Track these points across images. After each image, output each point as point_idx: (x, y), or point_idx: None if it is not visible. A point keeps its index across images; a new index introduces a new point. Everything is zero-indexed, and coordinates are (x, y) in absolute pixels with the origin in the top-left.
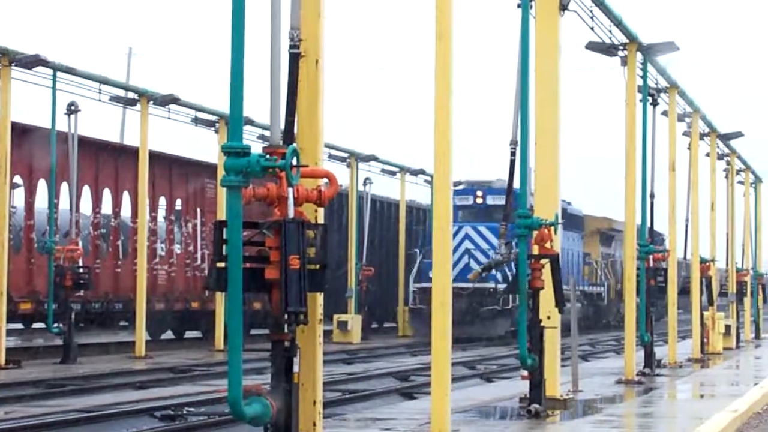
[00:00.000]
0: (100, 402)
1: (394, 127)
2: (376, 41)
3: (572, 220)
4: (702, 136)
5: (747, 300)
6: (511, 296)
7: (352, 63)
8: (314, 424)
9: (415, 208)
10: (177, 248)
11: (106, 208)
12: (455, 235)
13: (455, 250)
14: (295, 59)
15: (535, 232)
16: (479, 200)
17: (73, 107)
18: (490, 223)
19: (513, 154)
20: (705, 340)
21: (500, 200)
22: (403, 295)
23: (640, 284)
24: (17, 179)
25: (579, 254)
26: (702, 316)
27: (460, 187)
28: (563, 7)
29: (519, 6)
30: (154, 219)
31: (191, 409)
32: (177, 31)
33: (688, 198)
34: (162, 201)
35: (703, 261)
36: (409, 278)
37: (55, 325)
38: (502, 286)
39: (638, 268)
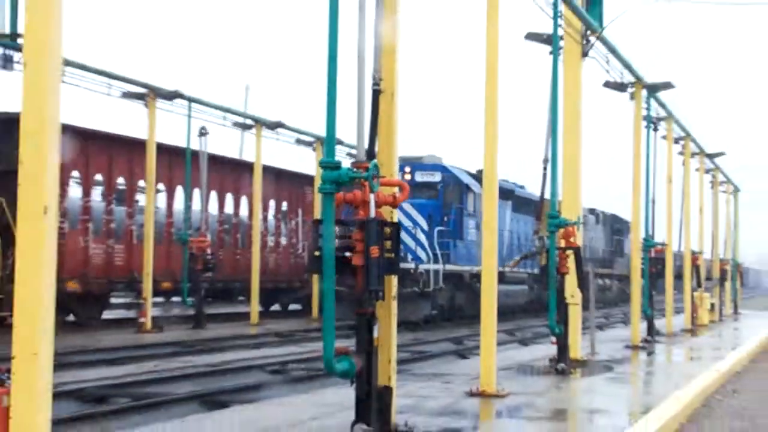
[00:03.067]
0: (223, 359)
1: (450, 144)
2: (439, 77)
3: (525, 203)
4: (693, 155)
5: (728, 283)
6: (432, 279)
7: (421, 92)
8: (389, 378)
9: None
10: (283, 240)
11: (229, 209)
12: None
13: None
14: (376, 95)
15: (561, 229)
16: (407, 176)
17: (203, 131)
18: (417, 200)
19: (545, 169)
20: (694, 314)
21: (429, 177)
22: None
23: (644, 270)
24: (160, 186)
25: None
26: (692, 296)
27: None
28: (584, 54)
29: (550, 53)
30: (265, 217)
31: (294, 365)
32: (284, 70)
33: (681, 203)
34: (271, 203)
35: (693, 253)
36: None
37: (189, 299)
38: (426, 267)
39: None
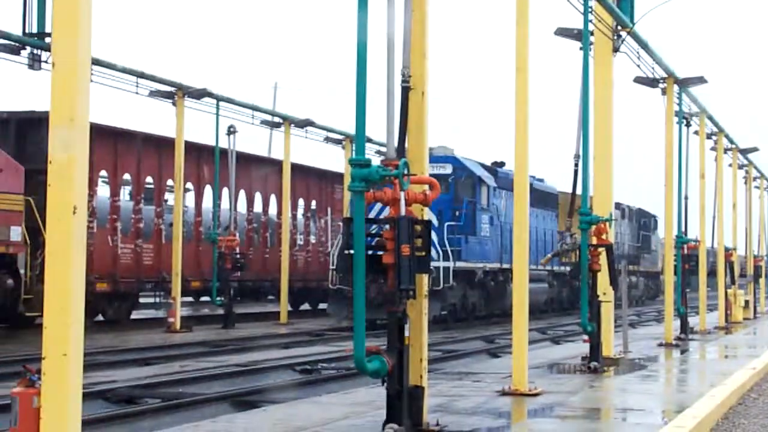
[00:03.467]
0: (252, 358)
1: (480, 141)
2: (468, 72)
3: (543, 197)
4: (726, 150)
5: (762, 280)
6: (442, 276)
7: (449, 90)
8: (421, 377)
9: None
10: (312, 239)
11: (257, 207)
12: (383, 208)
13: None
14: (406, 92)
15: (593, 227)
16: None
17: (231, 129)
18: None
19: (576, 165)
20: (728, 311)
21: (440, 169)
22: None
23: (677, 267)
24: (189, 185)
25: (552, 233)
26: (726, 292)
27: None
28: (615, 50)
29: (581, 49)
30: (294, 216)
31: (324, 365)
32: (312, 67)
33: (714, 199)
34: (300, 202)
35: (726, 249)
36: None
37: (218, 298)
38: (436, 264)
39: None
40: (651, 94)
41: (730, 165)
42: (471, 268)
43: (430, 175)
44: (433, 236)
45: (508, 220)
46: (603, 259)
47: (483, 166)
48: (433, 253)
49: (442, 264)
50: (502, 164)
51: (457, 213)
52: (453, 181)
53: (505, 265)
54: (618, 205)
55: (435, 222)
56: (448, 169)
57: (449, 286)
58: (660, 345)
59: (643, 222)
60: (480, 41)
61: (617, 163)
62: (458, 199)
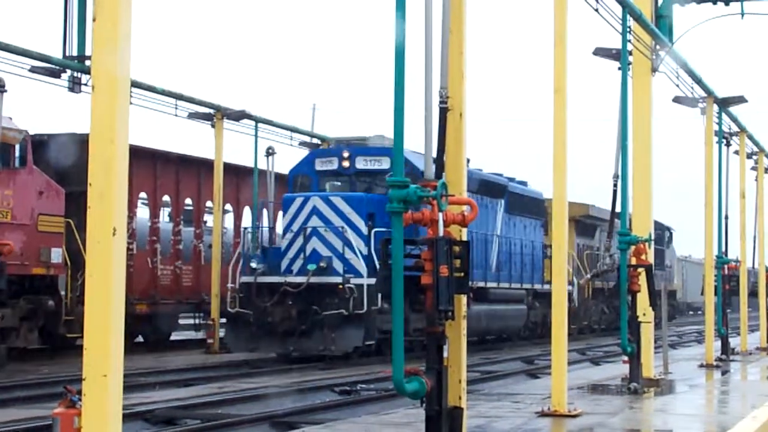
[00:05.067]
0: (291, 380)
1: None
2: (506, 93)
3: (526, 203)
4: (766, 170)
5: None
6: (366, 299)
7: (487, 111)
8: (459, 398)
9: None
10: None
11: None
12: (300, 209)
13: (298, 231)
14: (443, 113)
15: (632, 247)
16: (345, 164)
17: (270, 150)
18: (352, 193)
19: (615, 185)
20: None
21: (375, 164)
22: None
23: (717, 288)
24: (228, 206)
25: (538, 245)
26: None
27: (324, 147)
28: (654, 70)
29: (619, 68)
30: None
31: (363, 386)
32: (350, 89)
33: (755, 219)
34: None
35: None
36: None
37: None
38: (359, 281)
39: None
40: (690, 112)
41: None
42: None
43: (362, 170)
44: (360, 245)
45: (479, 229)
46: (642, 280)
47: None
48: (360, 266)
49: (365, 281)
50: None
51: None
52: None
53: (475, 283)
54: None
55: (363, 228)
56: (385, 164)
57: (377, 308)
58: (701, 366)
59: (656, 235)
60: (514, 60)
61: (657, 183)
62: None
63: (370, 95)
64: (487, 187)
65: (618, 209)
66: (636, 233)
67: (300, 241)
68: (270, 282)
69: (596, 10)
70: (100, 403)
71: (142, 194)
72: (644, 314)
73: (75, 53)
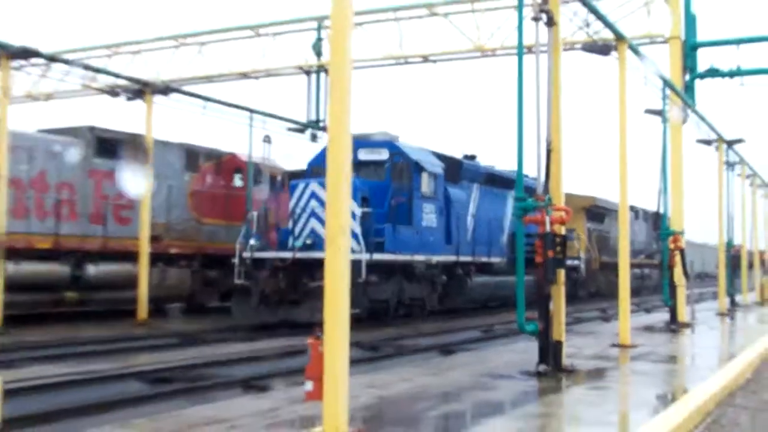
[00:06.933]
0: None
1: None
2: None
3: (505, 180)
4: (759, 186)
5: None
6: (364, 269)
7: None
8: (561, 335)
9: None
10: None
11: None
12: (302, 193)
13: (300, 214)
14: (548, 152)
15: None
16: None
17: (266, 138)
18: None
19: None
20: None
21: (375, 155)
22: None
23: (726, 264)
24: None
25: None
26: (761, 280)
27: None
28: (684, 122)
29: (663, 122)
30: None
31: (498, 326)
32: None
33: (751, 219)
34: None
35: (761, 251)
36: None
37: None
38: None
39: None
40: (706, 149)
41: (764, 196)
42: (392, 261)
43: (364, 161)
44: (355, 226)
45: (479, 213)
46: (678, 258)
47: (437, 155)
48: (354, 245)
49: (353, 257)
50: (473, 157)
51: (393, 201)
52: (389, 168)
53: (463, 258)
54: (632, 208)
55: (356, 210)
56: (384, 155)
57: (364, 280)
58: (717, 314)
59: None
60: (588, 117)
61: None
62: (397, 187)
63: (373, 98)
64: (496, 180)
65: (661, 212)
66: (673, 228)
67: (302, 221)
68: (264, 257)
69: (645, 84)
70: (334, 337)
71: None
72: (679, 280)
73: (314, 118)
